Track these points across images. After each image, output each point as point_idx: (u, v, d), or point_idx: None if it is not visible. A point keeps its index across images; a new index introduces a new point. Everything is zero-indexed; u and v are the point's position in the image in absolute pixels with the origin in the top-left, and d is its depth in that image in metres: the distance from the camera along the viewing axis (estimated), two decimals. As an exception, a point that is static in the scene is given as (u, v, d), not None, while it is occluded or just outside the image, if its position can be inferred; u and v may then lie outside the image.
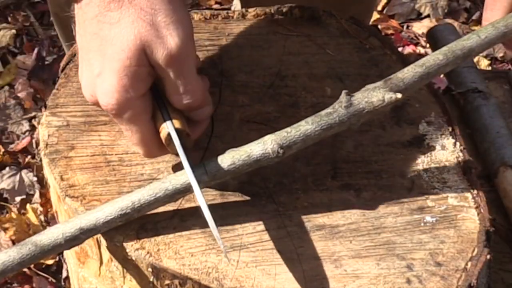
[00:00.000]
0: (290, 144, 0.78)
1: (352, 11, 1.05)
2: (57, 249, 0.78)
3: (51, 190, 0.88)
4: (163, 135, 0.78)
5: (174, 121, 0.78)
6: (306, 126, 0.78)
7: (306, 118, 0.78)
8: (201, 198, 0.76)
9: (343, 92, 0.78)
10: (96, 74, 0.77)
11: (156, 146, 0.80)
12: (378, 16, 2.29)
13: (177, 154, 0.78)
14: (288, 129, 0.78)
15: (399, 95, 0.78)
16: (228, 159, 0.78)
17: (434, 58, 0.82)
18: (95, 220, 0.77)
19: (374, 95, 0.79)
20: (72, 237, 0.77)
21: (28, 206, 1.85)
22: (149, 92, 0.78)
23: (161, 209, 0.81)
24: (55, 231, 0.77)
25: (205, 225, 0.80)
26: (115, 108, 0.77)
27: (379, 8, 2.32)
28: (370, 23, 2.19)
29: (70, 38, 1.39)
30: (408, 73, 0.81)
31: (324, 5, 1.02)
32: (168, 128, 0.78)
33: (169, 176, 0.78)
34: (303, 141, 0.78)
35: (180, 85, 0.77)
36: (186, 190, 0.78)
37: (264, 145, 0.77)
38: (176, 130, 0.78)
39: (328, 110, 0.79)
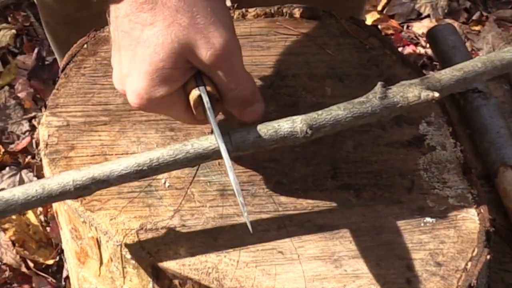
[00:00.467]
0: (319, 126, 0.77)
1: (345, 7, 1.05)
2: (65, 196, 0.75)
3: (51, 190, 0.88)
4: (192, 97, 0.77)
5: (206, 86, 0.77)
6: (337, 111, 0.77)
7: (338, 104, 0.78)
8: (228, 162, 0.74)
9: (379, 83, 0.78)
10: (125, 73, 0.76)
11: (190, 120, 0.80)
12: (378, 16, 2.29)
13: (204, 121, 0.78)
14: (319, 111, 0.78)
15: (436, 94, 0.78)
16: (254, 132, 0.77)
17: (472, 64, 0.82)
18: (109, 172, 0.75)
19: (410, 90, 0.78)
20: (82, 186, 0.74)
21: (28, 206, 1.84)
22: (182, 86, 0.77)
23: (161, 209, 0.81)
24: (65, 177, 0.74)
25: (205, 225, 0.80)
26: (143, 107, 0.77)
27: (379, 8, 2.32)
28: (370, 23, 2.20)
29: (62, 47, 1.38)
30: (445, 75, 0.81)
31: (317, 2, 1.02)
32: (199, 90, 0.76)
33: (191, 140, 0.77)
34: (332, 126, 0.77)
35: (232, 82, 0.77)
36: (207, 156, 0.76)
37: (293, 123, 0.77)
38: (208, 93, 0.77)
39: (362, 99, 0.78)
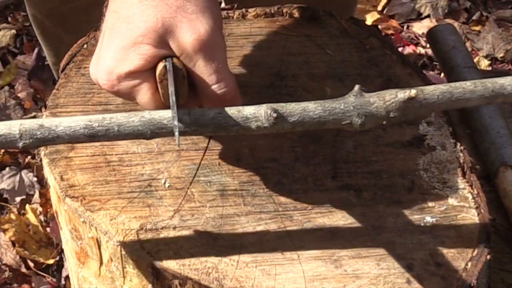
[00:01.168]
0: (286, 114, 0.73)
1: (339, 3, 1.05)
2: (9, 141, 0.72)
3: (51, 190, 0.88)
4: (158, 68, 0.75)
5: (174, 59, 0.75)
6: (308, 104, 0.74)
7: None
8: (176, 130, 0.72)
9: (357, 85, 0.75)
10: (102, 54, 0.75)
11: (157, 105, 0.78)
12: (378, 16, 2.29)
13: (167, 95, 0.75)
14: (289, 102, 0.75)
15: (413, 91, 0.73)
16: (216, 110, 0.74)
17: (461, 82, 0.76)
18: (58, 122, 0.72)
19: (387, 92, 0.75)
20: (29, 131, 0.71)
21: (27, 206, 1.85)
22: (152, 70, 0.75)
23: (161, 209, 0.81)
24: (14, 122, 0.72)
25: (205, 225, 0.80)
26: (110, 85, 0.75)
27: (379, 8, 2.32)
28: (370, 23, 2.20)
29: (49, 40, 1.38)
30: (430, 86, 0.76)
31: (310, 1, 1.02)
32: (166, 62, 0.74)
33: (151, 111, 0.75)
34: (299, 117, 0.73)
35: (211, 76, 0.75)
36: (161, 126, 0.72)
37: (259, 107, 0.74)
38: (174, 65, 0.74)
39: (337, 98, 0.75)
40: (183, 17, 0.73)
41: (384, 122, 0.75)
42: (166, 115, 0.73)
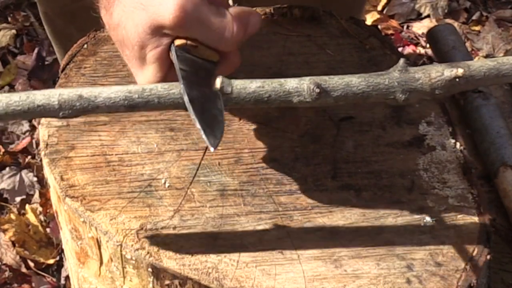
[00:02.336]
0: (329, 88, 0.71)
1: (344, 7, 1.05)
2: (48, 111, 0.72)
3: (51, 190, 0.88)
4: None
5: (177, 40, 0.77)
6: (351, 78, 0.72)
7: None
8: (188, 105, 0.73)
9: (402, 59, 0.73)
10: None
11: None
12: (378, 16, 2.29)
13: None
14: (332, 75, 0.73)
15: (460, 70, 0.71)
16: (259, 82, 0.73)
17: (508, 57, 0.74)
18: (97, 93, 0.71)
19: (433, 68, 0.72)
20: (68, 101, 0.70)
21: (27, 206, 1.85)
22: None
23: (161, 209, 0.81)
24: (52, 91, 0.71)
25: (205, 225, 0.80)
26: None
27: (379, 8, 2.32)
28: (370, 23, 2.20)
29: (59, 38, 1.38)
30: (477, 62, 0.74)
31: (316, 3, 1.02)
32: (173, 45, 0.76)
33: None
34: (343, 92, 0.71)
35: (211, 33, 0.76)
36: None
37: (301, 80, 0.72)
38: (180, 46, 0.76)
39: (381, 72, 0.73)
40: (155, 5, 0.75)
41: (429, 98, 0.74)
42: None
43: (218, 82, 0.74)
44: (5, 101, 0.71)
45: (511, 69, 0.73)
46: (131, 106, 0.72)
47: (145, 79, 0.78)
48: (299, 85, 0.72)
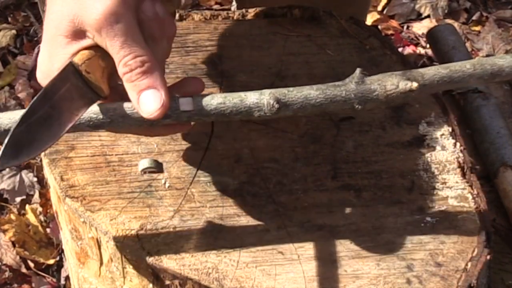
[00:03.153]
0: (288, 102, 0.73)
1: (347, 12, 1.05)
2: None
3: (51, 191, 0.88)
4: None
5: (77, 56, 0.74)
6: (310, 91, 0.74)
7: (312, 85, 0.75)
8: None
9: (358, 69, 0.74)
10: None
11: None
12: (378, 16, 2.29)
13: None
14: (291, 88, 0.74)
15: (415, 84, 0.73)
16: (219, 98, 0.73)
17: (460, 64, 0.77)
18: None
19: (389, 79, 0.74)
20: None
21: (27, 207, 1.85)
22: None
23: (161, 209, 0.81)
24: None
25: (205, 225, 0.80)
26: (40, 80, 0.77)
27: (379, 8, 2.32)
28: (370, 23, 2.20)
29: None
30: (430, 70, 0.76)
31: (319, 5, 1.02)
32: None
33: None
34: (302, 105, 0.73)
35: (120, 50, 0.73)
36: (166, 115, 0.72)
37: (261, 95, 0.73)
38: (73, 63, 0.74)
39: (338, 82, 0.75)
40: (82, 4, 0.73)
41: (384, 106, 0.75)
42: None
43: (183, 101, 0.73)
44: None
45: (463, 76, 0.76)
46: (96, 126, 0.73)
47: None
48: (259, 100, 0.73)
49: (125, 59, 0.73)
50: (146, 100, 0.72)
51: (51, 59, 0.76)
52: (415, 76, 0.75)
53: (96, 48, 0.74)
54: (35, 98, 0.72)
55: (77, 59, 0.73)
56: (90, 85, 0.73)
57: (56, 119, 0.72)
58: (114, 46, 0.73)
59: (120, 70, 0.73)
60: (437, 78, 0.75)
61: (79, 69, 0.73)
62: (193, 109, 0.73)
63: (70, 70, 0.73)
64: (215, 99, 0.73)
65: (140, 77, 0.73)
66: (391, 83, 0.74)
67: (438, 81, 0.76)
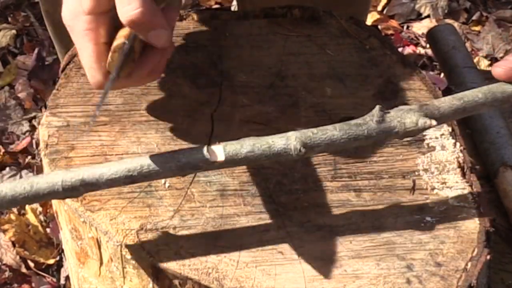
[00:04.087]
0: (314, 145, 0.76)
1: (347, 12, 1.06)
2: (52, 195, 0.75)
3: (51, 190, 0.88)
4: (117, 40, 0.77)
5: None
6: (333, 132, 0.77)
7: (334, 124, 0.77)
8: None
9: (377, 106, 0.77)
10: None
11: (99, 72, 0.79)
12: (378, 16, 2.29)
13: (111, 65, 0.77)
14: (314, 130, 0.77)
15: (434, 122, 0.77)
16: (248, 146, 0.76)
17: (473, 95, 0.81)
18: (98, 175, 0.75)
19: (408, 116, 0.78)
20: (71, 187, 0.74)
21: (27, 207, 1.85)
22: (107, 15, 0.78)
23: (161, 209, 0.81)
24: (55, 177, 0.75)
25: (205, 225, 0.80)
26: (67, 19, 0.79)
27: (379, 8, 2.32)
28: (370, 23, 2.20)
29: (61, 36, 1.38)
30: (445, 103, 0.80)
31: (319, 5, 1.02)
32: (127, 41, 0.77)
33: (183, 149, 0.77)
34: (326, 146, 0.77)
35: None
36: (198, 166, 0.76)
37: (287, 140, 0.76)
38: (131, 47, 0.77)
39: (359, 121, 0.77)
40: None
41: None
42: (200, 156, 0.76)
43: (213, 150, 0.76)
44: (10, 194, 0.74)
45: (475, 105, 0.81)
46: (132, 181, 0.76)
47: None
48: (286, 146, 0.76)
49: (126, 8, 0.76)
50: (155, 39, 0.78)
51: (81, 2, 0.78)
52: (431, 110, 0.79)
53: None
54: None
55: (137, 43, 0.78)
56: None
57: None
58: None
59: (122, 18, 0.76)
60: (452, 111, 0.80)
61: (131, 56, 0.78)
62: (223, 160, 0.76)
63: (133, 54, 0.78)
64: (245, 148, 0.76)
65: (142, 27, 0.76)
66: (410, 120, 0.78)
67: (453, 113, 0.81)
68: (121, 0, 0.76)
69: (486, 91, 0.81)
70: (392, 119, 0.78)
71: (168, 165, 0.75)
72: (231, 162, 0.76)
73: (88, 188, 0.75)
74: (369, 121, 0.77)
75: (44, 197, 0.75)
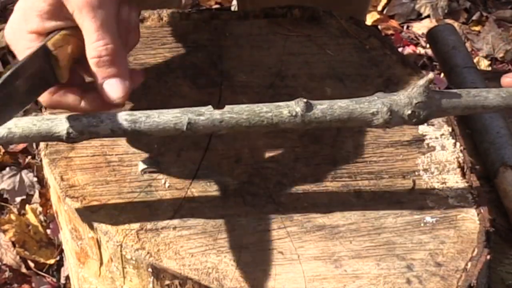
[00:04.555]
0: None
1: (347, 11, 1.06)
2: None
3: (51, 191, 0.88)
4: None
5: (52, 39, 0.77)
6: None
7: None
8: None
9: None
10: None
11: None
12: (378, 16, 2.29)
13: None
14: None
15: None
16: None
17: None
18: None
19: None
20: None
21: (27, 207, 1.85)
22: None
23: (161, 209, 0.81)
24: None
25: (205, 225, 0.80)
26: (9, 41, 0.80)
27: (379, 8, 2.32)
28: (370, 23, 2.20)
29: None
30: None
31: (317, 5, 1.02)
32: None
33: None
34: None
35: (94, 32, 0.76)
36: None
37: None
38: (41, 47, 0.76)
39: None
40: None
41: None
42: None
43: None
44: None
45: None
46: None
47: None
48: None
49: (97, 44, 0.77)
50: (111, 88, 0.78)
51: (26, 21, 0.79)
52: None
53: (67, 30, 0.78)
54: (5, 75, 0.72)
55: (51, 44, 0.77)
56: (55, 70, 0.77)
57: (17, 99, 0.74)
58: (90, 27, 0.76)
59: (90, 53, 0.77)
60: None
61: (50, 53, 0.76)
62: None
63: (42, 53, 0.76)
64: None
65: (106, 65, 0.77)
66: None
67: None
68: (90, 34, 0.77)
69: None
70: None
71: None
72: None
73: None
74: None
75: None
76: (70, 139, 0.76)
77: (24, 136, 0.75)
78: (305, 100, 0.77)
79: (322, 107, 0.77)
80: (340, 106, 0.77)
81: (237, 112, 0.76)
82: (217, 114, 0.76)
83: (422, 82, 0.78)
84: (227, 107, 0.76)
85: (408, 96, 0.78)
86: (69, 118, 0.76)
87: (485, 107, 0.80)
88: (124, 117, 0.76)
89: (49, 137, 0.76)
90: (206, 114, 0.76)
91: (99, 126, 0.76)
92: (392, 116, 0.78)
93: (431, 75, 0.78)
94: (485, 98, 0.79)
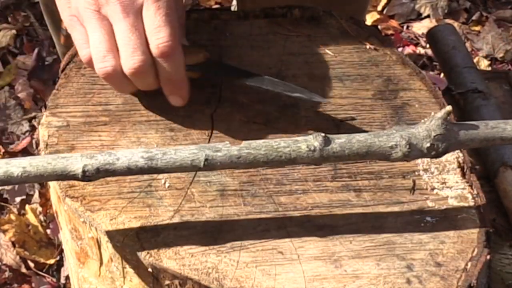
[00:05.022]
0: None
1: (346, 11, 1.06)
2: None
3: (51, 191, 0.88)
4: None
5: None
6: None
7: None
8: None
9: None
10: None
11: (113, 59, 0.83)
12: (378, 16, 2.29)
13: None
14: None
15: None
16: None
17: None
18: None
19: None
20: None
21: (27, 207, 1.85)
22: None
23: (161, 209, 0.81)
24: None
25: (205, 225, 0.80)
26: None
27: (379, 8, 2.32)
28: (370, 23, 2.20)
29: (59, 30, 1.39)
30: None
31: (317, 5, 1.02)
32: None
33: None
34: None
35: (156, 22, 0.81)
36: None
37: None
38: None
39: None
40: None
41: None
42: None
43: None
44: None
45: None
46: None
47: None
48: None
49: (157, 33, 0.81)
50: (174, 100, 0.88)
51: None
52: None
53: None
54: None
55: None
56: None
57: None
58: (153, 16, 0.81)
59: (149, 38, 0.82)
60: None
61: None
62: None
63: None
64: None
65: (167, 54, 0.82)
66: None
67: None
68: (154, 28, 0.81)
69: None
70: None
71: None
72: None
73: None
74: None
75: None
76: (86, 177, 0.75)
77: (39, 175, 0.74)
78: (323, 134, 0.77)
79: (341, 141, 0.77)
80: (358, 140, 0.77)
81: (254, 148, 0.76)
82: (234, 150, 0.75)
83: (440, 114, 0.77)
84: (244, 143, 0.76)
85: (426, 128, 0.77)
86: (84, 156, 0.75)
87: (503, 139, 0.79)
88: (140, 154, 0.75)
89: (64, 175, 0.75)
90: (224, 150, 0.75)
91: (115, 164, 0.75)
92: (411, 149, 0.77)
93: (449, 107, 0.77)
94: (503, 130, 0.79)
